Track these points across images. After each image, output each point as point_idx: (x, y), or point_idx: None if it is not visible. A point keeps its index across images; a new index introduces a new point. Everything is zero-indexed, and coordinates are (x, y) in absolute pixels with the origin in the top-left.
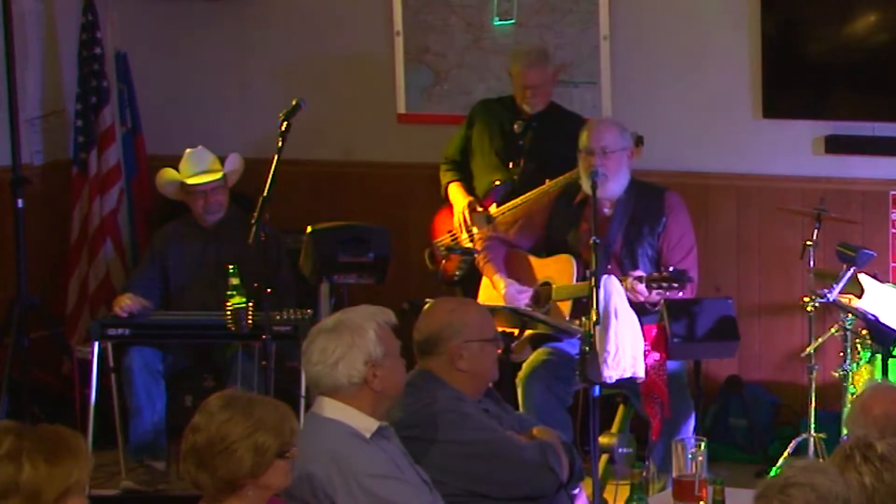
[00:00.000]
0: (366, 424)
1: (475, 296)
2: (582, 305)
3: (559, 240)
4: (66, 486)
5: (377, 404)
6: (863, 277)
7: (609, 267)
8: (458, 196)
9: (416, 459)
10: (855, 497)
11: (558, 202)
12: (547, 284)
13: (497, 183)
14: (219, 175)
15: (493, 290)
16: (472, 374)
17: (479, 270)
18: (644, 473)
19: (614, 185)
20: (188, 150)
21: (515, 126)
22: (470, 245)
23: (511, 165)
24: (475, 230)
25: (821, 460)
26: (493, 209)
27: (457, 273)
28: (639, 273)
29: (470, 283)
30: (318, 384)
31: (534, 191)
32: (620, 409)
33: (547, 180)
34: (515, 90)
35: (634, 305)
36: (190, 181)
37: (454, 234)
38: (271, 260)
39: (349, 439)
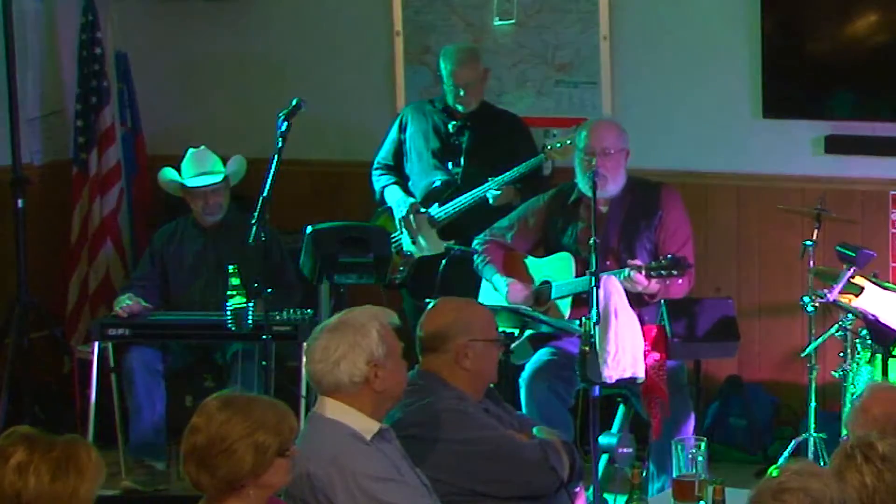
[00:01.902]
0: (366, 426)
1: (421, 298)
2: (582, 303)
3: (557, 240)
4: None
5: (378, 405)
6: (861, 280)
7: (608, 263)
8: (398, 199)
9: (417, 459)
10: (850, 500)
11: (552, 203)
12: (547, 283)
13: (436, 184)
14: (219, 177)
15: (492, 292)
16: (474, 374)
17: (424, 274)
18: (644, 473)
19: (613, 186)
20: (191, 151)
21: (450, 126)
22: (412, 248)
23: (451, 165)
24: (418, 232)
25: (820, 462)
26: (434, 210)
27: (396, 276)
28: (637, 262)
29: (414, 286)
30: (319, 383)
31: (477, 189)
32: (620, 409)
33: (490, 178)
34: (448, 90)
35: (632, 297)
36: (190, 183)
37: (395, 238)
38: (273, 260)
39: (350, 441)
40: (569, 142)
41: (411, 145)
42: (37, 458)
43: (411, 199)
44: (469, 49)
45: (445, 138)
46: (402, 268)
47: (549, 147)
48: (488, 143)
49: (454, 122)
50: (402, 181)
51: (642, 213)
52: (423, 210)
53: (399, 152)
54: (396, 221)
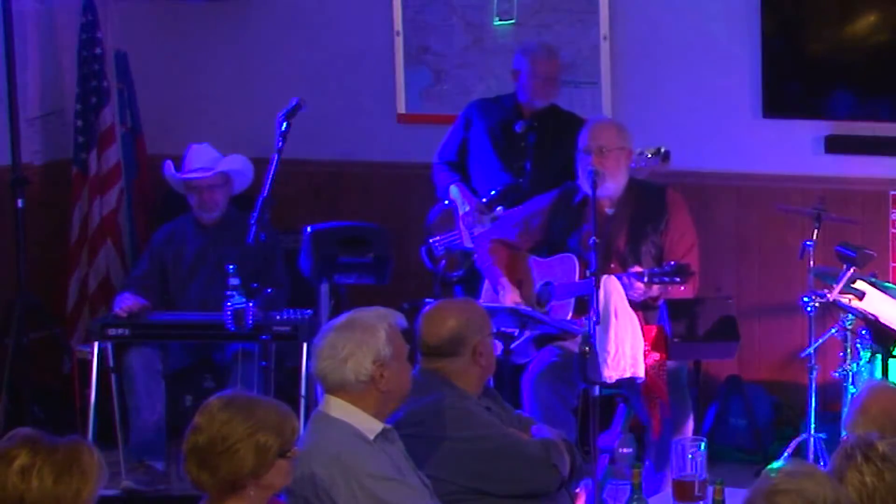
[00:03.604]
0: (370, 426)
1: (474, 295)
2: (583, 305)
3: (561, 241)
4: (71, 501)
5: (382, 405)
6: (862, 284)
7: (612, 266)
8: (462, 198)
9: (420, 457)
10: (845, 498)
11: (557, 204)
12: (548, 284)
13: (501, 187)
14: (209, 172)
15: (493, 296)
16: (486, 369)
17: (478, 270)
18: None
19: (612, 185)
20: (192, 146)
21: (517, 127)
22: (470, 245)
23: (516, 167)
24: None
25: (820, 462)
26: (500, 211)
27: (454, 273)
28: (637, 269)
29: (469, 282)
30: (325, 380)
31: (546, 194)
32: (620, 409)
33: (558, 182)
34: (529, 83)
35: (636, 302)
36: (181, 175)
37: (455, 235)
38: (267, 259)
39: (352, 440)
40: (649, 154)
41: (476, 143)
42: (40, 461)
43: (476, 199)
44: (551, 46)
45: (512, 139)
46: (459, 265)
47: None
48: (555, 146)
49: (522, 122)
50: (466, 179)
51: (648, 217)
52: (487, 211)
53: (463, 150)
54: (458, 219)
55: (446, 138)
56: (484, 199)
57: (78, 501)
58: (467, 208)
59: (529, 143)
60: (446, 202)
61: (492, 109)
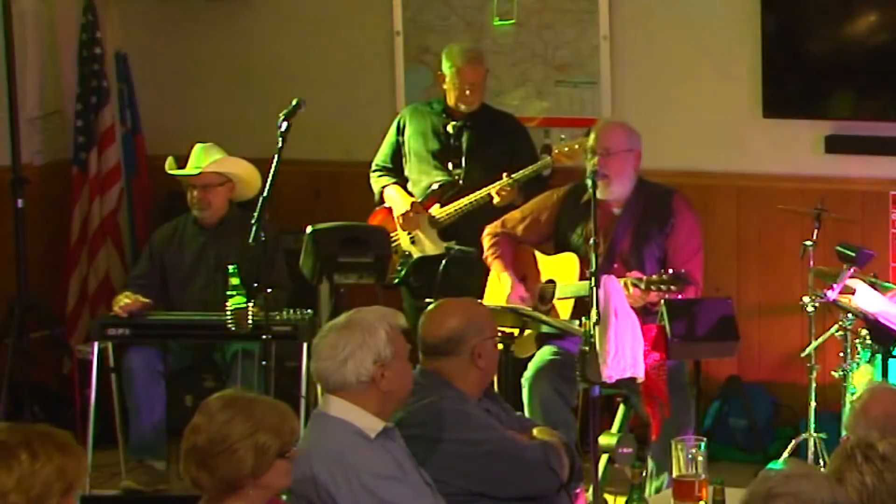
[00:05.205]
0: (371, 424)
1: (421, 298)
2: (583, 305)
3: (566, 238)
4: (73, 479)
5: (383, 405)
6: (854, 282)
7: (615, 266)
8: (398, 199)
9: (419, 458)
10: (843, 498)
11: (566, 201)
12: (551, 282)
13: (435, 186)
14: (197, 171)
15: (499, 287)
16: (485, 372)
17: (424, 274)
18: (643, 473)
19: (617, 187)
20: (198, 145)
21: (449, 128)
22: (412, 248)
23: (451, 166)
24: (418, 232)
25: (820, 462)
26: (435, 210)
27: (394, 276)
28: (636, 274)
29: (414, 285)
30: (325, 381)
31: (490, 187)
32: (620, 409)
33: (504, 175)
34: (452, 89)
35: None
36: (170, 171)
37: (394, 237)
38: (268, 259)
39: (353, 438)
40: (577, 145)
41: (410, 147)
42: (35, 439)
43: (412, 199)
44: (475, 49)
45: (445, 139)
46: (399, 267)
47: (556, 150)
48: (488, 144)
49: (454, 123)
50: (402, 182)
51: (654, 219)
52: (423, 211)
53: (398, 154)
54: (396, 221)
55: (382, 145)
56: (419, 200)
57: (76, 473)
58: (403, 209)
59: (462, 143)
60: (386, 205)
61: (423, 113)
